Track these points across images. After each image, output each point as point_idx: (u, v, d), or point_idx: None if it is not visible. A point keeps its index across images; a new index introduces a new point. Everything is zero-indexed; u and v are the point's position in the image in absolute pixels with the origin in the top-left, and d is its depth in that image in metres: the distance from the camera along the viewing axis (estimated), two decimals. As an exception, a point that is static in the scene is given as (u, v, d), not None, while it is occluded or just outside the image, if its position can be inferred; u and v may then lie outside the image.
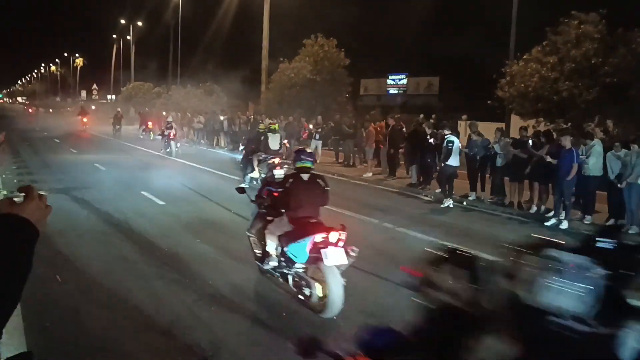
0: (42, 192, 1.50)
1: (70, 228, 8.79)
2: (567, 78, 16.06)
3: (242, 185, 8.69)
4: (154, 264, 7.20)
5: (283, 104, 27.94)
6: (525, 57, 17.50)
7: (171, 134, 21.40)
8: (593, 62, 15.75)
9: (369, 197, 13.46)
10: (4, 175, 13.98)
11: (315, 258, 5.36)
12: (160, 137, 22.40)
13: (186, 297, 6.01)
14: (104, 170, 16.33)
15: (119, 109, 33.18)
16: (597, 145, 10.53)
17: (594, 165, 10.42)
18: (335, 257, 5.26)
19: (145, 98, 48.78)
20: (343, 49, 27.82)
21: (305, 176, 6.01)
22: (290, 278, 5.80)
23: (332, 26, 30.53)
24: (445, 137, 12.53)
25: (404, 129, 16.26)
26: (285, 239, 5.72)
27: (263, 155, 12.99)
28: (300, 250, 5.49)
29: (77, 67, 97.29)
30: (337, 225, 5.54)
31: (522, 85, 16.97)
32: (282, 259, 5.82)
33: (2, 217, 1.39)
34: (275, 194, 6.18)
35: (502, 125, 19.02)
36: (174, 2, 46.08)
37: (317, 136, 19.78)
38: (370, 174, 16.59)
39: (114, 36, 69.54)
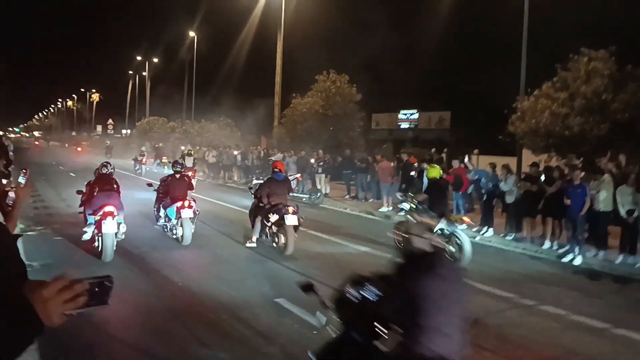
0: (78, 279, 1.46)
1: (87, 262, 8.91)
2: (577, 114, 16.16)
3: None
4: (167, 298, 7.28)
5: (295, 139, 28.30)
6: (535, 92, 17.67)
7: (143, 160, 29.07)
8: (603, 98, 15.86)
9: (383, 232, 13.49)
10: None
11: (178, 215, 10.60)
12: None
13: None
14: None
15: (107, 141, 39.37)
16: (607, 181, 10.57)
17: (604, 201, 10.43)
18: (186, 213, 10.55)
19: (160, 132, 49.52)
20: (354, 85, 28.24)
21: (177, 175, 11.38)
22: (168, 227, 11.26)
23: (344, 62, 31.11)
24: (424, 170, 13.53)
25: (416, 164, 16.38)
26: (165, 205, 11.21)
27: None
28: (171, 211, 10.85)
29: (93, 102, 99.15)
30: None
31: (533, 120, 17.09)
32: (165, 217, 11.27)
33: (18, 300, 1.38)
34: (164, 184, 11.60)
35: (514, 160, 19.12)
36: (189, 38, 47.27)
37: (320, 169, 20.06)
38: (387, 209, 16.58)
39: (130, 72, 71.14)
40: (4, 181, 7.88)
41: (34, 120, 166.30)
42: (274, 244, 10.18)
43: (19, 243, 7.99)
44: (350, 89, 28.05)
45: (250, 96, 37.15)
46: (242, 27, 39.67)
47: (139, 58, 63.88)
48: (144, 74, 64.64)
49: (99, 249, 9.15)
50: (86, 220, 9.60)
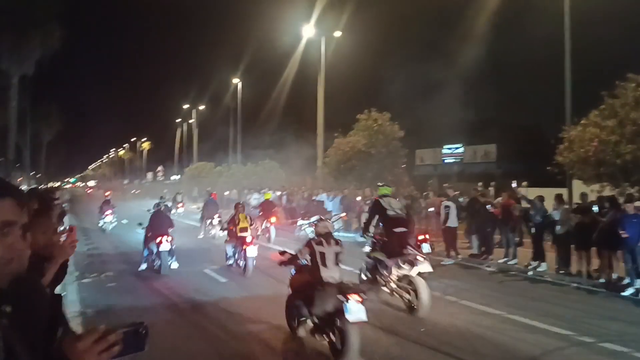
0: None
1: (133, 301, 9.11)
2: (628, 141, 15.64)
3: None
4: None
5: (339, 178, 28.42)
6: (583, 121, 17.27)
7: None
8: (654, 123, 15.34)
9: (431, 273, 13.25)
10: (74, 258, 14.72)
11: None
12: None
13: None
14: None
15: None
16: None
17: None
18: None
19: (207, 177, 50.68)
20: (396, 122, 28.31)
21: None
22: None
23: (385, 99, 31.38)
24: (442, 203, 14.44)
25: (461, 199, 16.16)
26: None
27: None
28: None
29: (143, 150, 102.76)
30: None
31: (582, 150, 16.64)
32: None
33: (58, 348, 1.50)
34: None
35: (564, 190, 18.59)
36: (233, 85, 48.73)
37: (366, 208, 19.88)
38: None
39: (178, 120, 73.61)
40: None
41: (88, 170, 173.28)
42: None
43: (73, 293, 8.24)
44: (392, 127, 28.11)
45: (294, 137, 37.77)
46: (283, 71, 40.87)
47: (186, 106, 66.22)
48: (191, 121, 66.83)
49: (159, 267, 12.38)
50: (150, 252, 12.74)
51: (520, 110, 27.29)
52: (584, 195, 12.26)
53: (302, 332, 7.07)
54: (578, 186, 17.66)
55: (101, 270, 12.74)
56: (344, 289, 6.32)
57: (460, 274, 12.76)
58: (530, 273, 12.30)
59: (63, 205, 17.81)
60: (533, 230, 12.99)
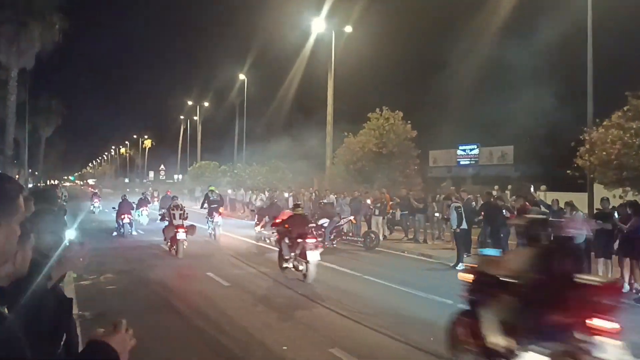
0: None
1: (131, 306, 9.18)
2: (653, 144, 15.58)
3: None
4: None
5: (348, 179, 28.43)
6: (605, 123, 17.17)
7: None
8: (681, 125, 15.26)
9: (443, 279, 13.23)
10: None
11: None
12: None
13: None
14: (169, 260, 16.91)
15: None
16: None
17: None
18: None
19: (211, 177, 50.82)
20: (409, 121, 28.26)
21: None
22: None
23: (397, 98, 31.35)
24: (452, 204, 14.52)
25: (474, 203, 16.12)
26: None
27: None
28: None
29: (145, 148, 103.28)
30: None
31: (604, 153, 16.56)
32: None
33: (96, 342, 1.75)
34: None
35: (585, 196, 18.50)
36: (239, 81, 48.88)
37: (377, 211, 19.98)
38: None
39: (181, 117, 73.86)
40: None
41: (87, 168, 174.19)
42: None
43: (71, 295, 8.29)
44: (404, 126, 28.08)
45: (302, 137, 37.78)
46: (291, 67, 40.98)
47: (190, 103, 66.45)
48: (195, 118, 67.08)
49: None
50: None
51: (540, 110, 27.07)
52: (604, 201, 12.17)
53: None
54: (599, 191, 17.57)
55: (100, 272, 12.80)
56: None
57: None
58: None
59: (63, 203, 21.70)
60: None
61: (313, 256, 11.47)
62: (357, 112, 32.01)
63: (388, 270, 13.66)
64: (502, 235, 13.80)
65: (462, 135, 38.83)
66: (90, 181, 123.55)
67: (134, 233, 21.55)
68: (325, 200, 21.26)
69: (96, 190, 40.79)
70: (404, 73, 44.94)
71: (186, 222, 16.13)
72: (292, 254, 12.07)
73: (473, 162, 39.37)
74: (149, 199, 29.81)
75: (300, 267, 11.77)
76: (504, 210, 14.29)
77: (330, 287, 11.25)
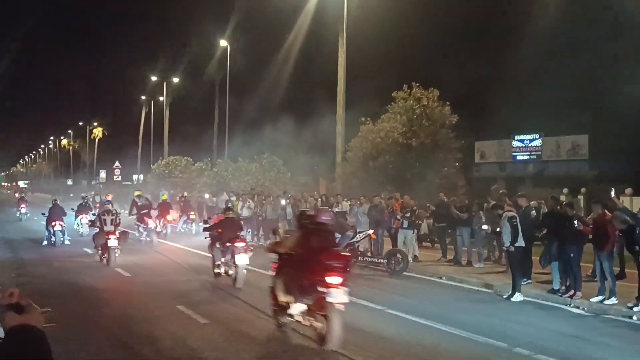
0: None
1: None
2: None
3: None
4: None
5: (366, 180, 28.36)
6: None
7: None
8: None
9: (493, 314, 13.22)
10: None
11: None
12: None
13: None
14: (128, 276, 17.06)
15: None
16: None
17: None
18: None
19: (183, 177, 50.82)
20: (448, 103, 28.24)
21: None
22: None
23: (432, 72, 31.31)
24: (505, 213, 14.39)
25: (534, 212, 16.08)
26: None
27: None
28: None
29: (94, 139, 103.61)
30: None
31: None
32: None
33: (23, 328, 2.27)
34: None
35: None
36: (220, 50, 48.86)
37: (406, 223, 19.82)
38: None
39: (143, 97, 73.94)
40: None
41: (18, 166, 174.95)
42: None
43: None
44: (441, 109, 28.06)
45: (304, 124, 37.74)
46: (290, 31, 40.73)
47: (154, 79, 66.51)
48: (162, 99, 67.16)
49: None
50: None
51: (625, 88, 27.00)
52: None
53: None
54: None
55: (36, 304, 12.84)
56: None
57: (535, 314, 12.70)
58: (635, 317, 12.20)
59: None
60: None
61: (242, 260, 14.47)
62: (378, 91, 32.01)
63: (419, 301, 13.67)
64: (571, 254, 13.75)
65: (519, 122, 38.79)
66: (22, 183, 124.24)
67: (67, 242, 24.33)
68: (335, 209, 21.25)
69: (23, 195, 46.10)
70: (440, 39, 44.88)
71: (119, 229, 19.44)
72: (223, 259, 15.31)
73: (534, 156, 39.32)
74: (91, 205, 31.58)
75: (230, 272, 14.94)
76: (575, 222, 14.23)
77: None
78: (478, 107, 36.23)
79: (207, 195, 35.04)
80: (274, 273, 10.94)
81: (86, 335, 10.40)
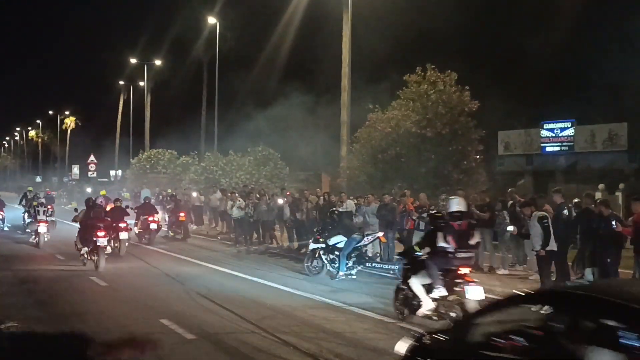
0: None
1: None
2: None
3: None
4: None
5: (375, 175, 28.37)
6: None
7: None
8: None
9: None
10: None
11: None
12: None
13: None
14: (105, 285, 17.04)
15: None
16: None
17: None
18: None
19: (167, 173, 50.79)
20: (467, 88, 28.21)
21: None
22: None
23: (450, 53, 31.24)
24: (534, 214, 14.69)
25: (566, 211, 16.04)
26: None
27: None
28: None
29: (66, 129, 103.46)
30: None
31: None
32: None
33: None
34: None
35: None
36: (208, 28, 48.78)
37: (422, 225, 19.66)
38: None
39: (121, 82, 73.86)
40: None
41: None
42: None
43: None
44: (460, 95, 28.03)
45: (303, 112, 37.71)
46: (287, 5, 40.62)
47: (134, 61, 66.38)
48: (142, 84, 67.15)
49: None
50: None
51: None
52: None
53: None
54: None
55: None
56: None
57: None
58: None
59: None
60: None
61: (102, 242, 19.13)
62: (388, 74, 31.99)
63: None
64: (608, 259, 13.72)
65: (548, 108, 38.80)
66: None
67: (6, 229, 31.41)
68: (340, 208, 21.19)
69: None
70: (460, 15, 44.81)
71: (51, 219, 26.86)
72: (87, 247, 19.58)
73: (566, 147, 39.25)
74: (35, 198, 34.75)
75: (93, 257, 19.33)
76: (612, 222, 14.20)
77: (347, 341, 11.25)
78: (502, 92, 36.15)
79: (194, 194, 34.95)
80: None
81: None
